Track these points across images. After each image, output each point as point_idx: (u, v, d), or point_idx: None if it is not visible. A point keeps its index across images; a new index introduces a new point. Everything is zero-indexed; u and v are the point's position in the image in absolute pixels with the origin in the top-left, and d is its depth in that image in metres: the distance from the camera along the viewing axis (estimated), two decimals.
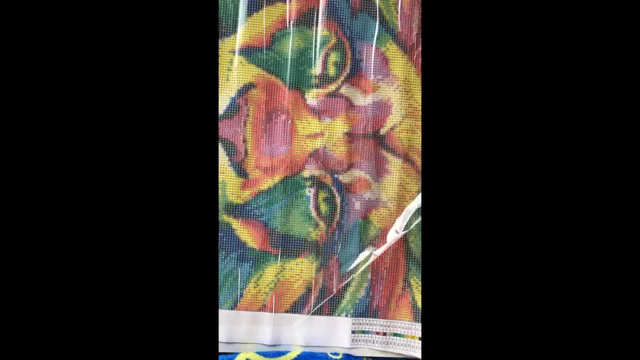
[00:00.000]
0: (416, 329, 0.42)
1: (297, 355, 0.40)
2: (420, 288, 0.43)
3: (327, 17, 0.41)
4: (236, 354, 0.40)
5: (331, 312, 0.43)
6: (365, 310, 0.43)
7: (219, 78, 0.40)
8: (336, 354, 0.41)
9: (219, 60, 0.40)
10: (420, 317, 0.43)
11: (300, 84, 0.41)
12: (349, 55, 0.41)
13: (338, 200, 0.42)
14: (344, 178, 0.42)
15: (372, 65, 0.41)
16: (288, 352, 0.40)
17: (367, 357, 0.42)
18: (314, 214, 0.42)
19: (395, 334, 0.43)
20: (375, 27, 0.41)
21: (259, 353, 0.40)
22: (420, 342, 0.42)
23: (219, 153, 0.41)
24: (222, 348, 0.41)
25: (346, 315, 0.43)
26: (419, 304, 0.43)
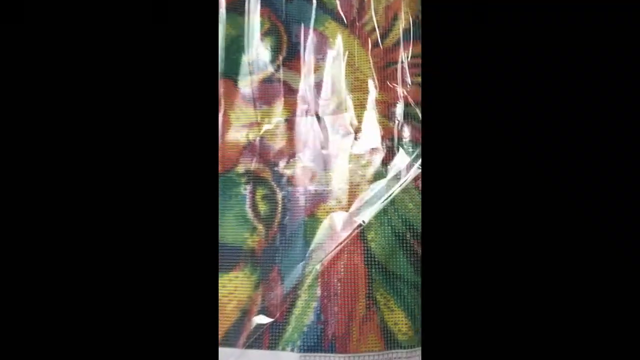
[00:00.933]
0: (390, 358, 0.30)
1: None
2: (390, 305, 0.31)
3: (261, 3, 0.38)
4: None
5: (273, 345, 0.32)
6: (317, 341, 0.32)
7: None
8: None
9: None
10: (395, 342, 0.31)
11: (232, 73, 0.37)
12: (285, 39, 0.37)
13: (279, 196, 0.35)
14: (285, 170, 0.35)
15: (311, 46, 0.37)
16: None
17: None
18: (250, 215, 0.35)
19: None
20: (312, 9, 0.37)
21: None
22: None
23: None
24: None
25: (292, 350, 0.32)
26: (391, 324, 0.31)
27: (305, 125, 0.36)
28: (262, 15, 0.38)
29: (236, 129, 0.36)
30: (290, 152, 0.35)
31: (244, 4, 0.38)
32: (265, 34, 0.37)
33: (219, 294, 0.34)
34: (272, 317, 0.32)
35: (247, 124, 0.37)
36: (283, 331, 0.32)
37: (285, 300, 0.33)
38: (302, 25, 0.37)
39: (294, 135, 0.36)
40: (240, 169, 0.36)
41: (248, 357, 0.32)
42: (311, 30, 0.37)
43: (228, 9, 0.38)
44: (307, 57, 0.37)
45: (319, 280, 0.32)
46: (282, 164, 0.35)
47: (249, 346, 0.32)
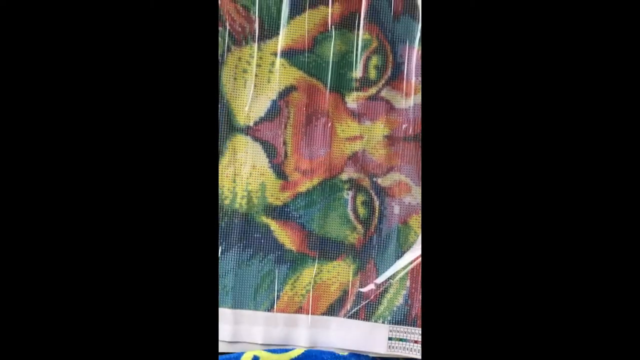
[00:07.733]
0: None
1: (304, 352, 0.39)
2: None
3: (369, 20, 0.41)
4: (240, 353, 0.40)
5: (368, 318, 0.42)
6: (403, 318, 0.41)
7: (260, 80, 0.43)
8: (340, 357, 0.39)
9: (261, 62, 0.42)
10: None
11: (340, 87, 0.42)
12: (390, 58, 0.41)
13: (377, 203, 0.42)
14: (383, 181, 0.42)
15: (414, 67, 0.41)
16: (294, 348, 0.40)
17: (373, 356, 0.40)
18: (352, 216, 0.42)
19: None
20: (417, 29, 0.41)
21: (266, 350, 0.40)
22: None
23: (260, 154, 0.43)
24: (258, 349, 0.41)
25: (383, 322, 0.41)
26: None
27: (403, 142, 0.42)
28: (370, 33, 0.42)
29: (341, 140, 0.43)
30: (388, 166, 0.42)
31: (355, 21, 0.42)
32: (372, 52, 0.42)
33: (325, 277, 0.43)
34: (367, 298, 0.42)
35: (352, 137, 0.43)
36: (376, 309, 0.42)
37: (379, 287, 0.42)
38: (407, 44, 0.41)
39: (392, 151, 0.42)
40: (344, 176, 0.43)
41: (348, 324, 0.42)
42: (415, 51, 0.41)
43: (338, 26, 0.42)
44: (410, 78, 0.41)
45: (409, 275, 0.41)
46: (380, 175, 0.42)
47: (349, 317, 0.42)
